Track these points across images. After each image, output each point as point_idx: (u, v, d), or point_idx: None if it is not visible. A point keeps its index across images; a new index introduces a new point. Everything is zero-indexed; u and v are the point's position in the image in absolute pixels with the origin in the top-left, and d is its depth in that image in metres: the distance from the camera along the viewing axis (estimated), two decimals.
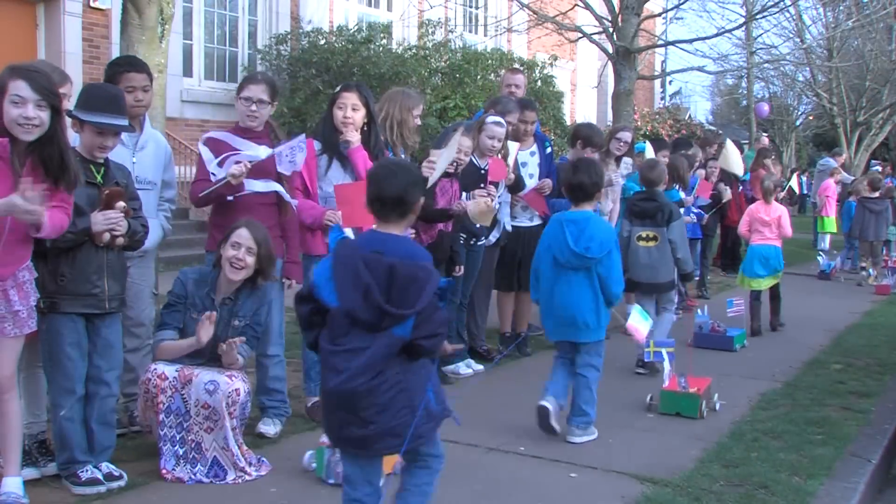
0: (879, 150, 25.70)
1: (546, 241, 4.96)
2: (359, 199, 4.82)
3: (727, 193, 10.32)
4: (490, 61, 13.65)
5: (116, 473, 3.97)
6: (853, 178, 17.02)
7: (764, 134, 20.21)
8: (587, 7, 11.36)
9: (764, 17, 13.64)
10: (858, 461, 4.71)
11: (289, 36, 13.40)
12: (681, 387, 5.39)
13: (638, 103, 18.28)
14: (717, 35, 13.08)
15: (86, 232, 3.80)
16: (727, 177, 11.54)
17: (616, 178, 7.49)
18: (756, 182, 12.19)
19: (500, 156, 6.11)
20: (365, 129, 5.05)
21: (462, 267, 5.93)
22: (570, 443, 4.79)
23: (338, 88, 5.12)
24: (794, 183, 12.08)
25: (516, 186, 6.42)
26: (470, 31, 17.73)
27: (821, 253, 13.30)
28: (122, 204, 3.86)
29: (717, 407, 5.53)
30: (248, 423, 4.43)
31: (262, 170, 4.65)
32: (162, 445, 4.08)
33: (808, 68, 21.10)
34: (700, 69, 13.66)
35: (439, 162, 5.29)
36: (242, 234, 4.25)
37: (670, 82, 29.67)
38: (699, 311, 7.67)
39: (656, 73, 18.57)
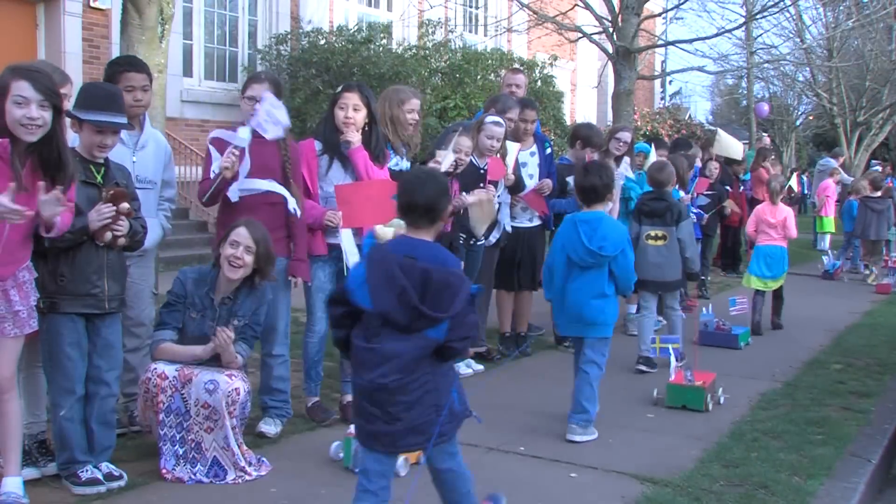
0: (879, 150, 25.69)
1: (560, 240, 5.10)
2: (359, 200, 4.87)
3: (729, 207, 10.38)
4: (490, 61, 13.65)
5: (116, 473, 3.97)
6: (852, 178, 17.04)
7: (764, 134, 20.23)
8: (587, 7, 11.36)
9: (764, 17, 13.63)
10: (858, 461, 4.71)
11: (289, 36, 13.41)
12: (686, 380, 5.50)
13: (638, 103, 18.28)
14: (717, 35, 13.07)
15: (84, 232, 3.80)
16: (728, 177, 11.56)
17: (616, 179, 7.49)
18: (756, 182, 12.23)
19: (498, 155, 6.11)
20: (366, 129, 5.04)
21: (462, 266, 5.94)
22: (569, 441, 4.80)
23: (339, 89, 5.11)
24: (793, 182, 12.09)
25: (516, 187, 6.42)
26: (470, 31, 17.73)
27: (827, 253, 13.31)
28: (125, 205, 3.87)
29: (722, 400, 5.64)
30: (249, 422, 4.43)
31: (265, 168, 4.65)
32: (162, 445, 4.08)
33: (808, 68, 21.08)
34: (700, 69, 13.66)
35: (444, 163, 5.30)
36: (241, 233, 4.26)
37: (670, 82, 29.71)
38: (704, 309, 7.74)
39: (656, 73, 18.57)
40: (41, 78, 3.47)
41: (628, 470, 4.38)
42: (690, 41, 11.94)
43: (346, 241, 4.90)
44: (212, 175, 4.62)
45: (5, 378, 3.61)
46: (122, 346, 4.31)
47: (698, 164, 10.03)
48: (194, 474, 4.06)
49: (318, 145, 5.04)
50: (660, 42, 16.29)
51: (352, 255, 4.91)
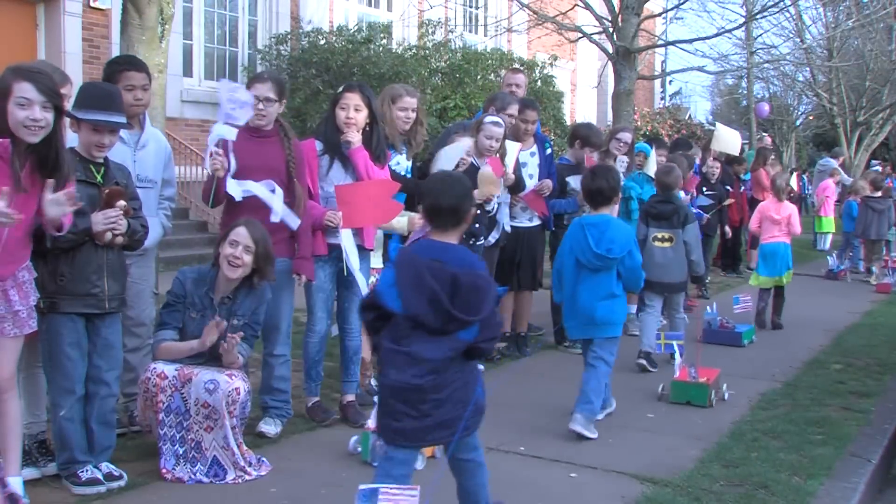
0: (879, 150, 25.68)
1: (567, 243, 5.20)
2: (359, 200, 4.87)
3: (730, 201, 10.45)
4: (490, 61, 13.65)
5: (116, 473, 3.97)
6: (852, 178, 17.04)
7: (765, 134, 20.21)
8: (587, 7, 11.36)
9: (764, 17, 13.63)
10: (858, 461, 4.71)
11: (289, 36, 13.40)
12: (691, 377, 5.59)
13: (638, 103, 18.28)
14: (717, 35, 13.07)
15: (86, 232, 3.80)
16: (728, 177, 11.56)
17: None
18: (756, 182, 12.24)
19: (497, 155, 6.11)
20: (367, 129, 5.04)
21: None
22: (571, 431, 4.83)
23: (340, 89, 5.10)
24: (793, 182, 12.10)
25: (516, 187, 6.42)
26: (470, 31, 17.73)
27: (831, 253, 13.31)
28: (122, 203, 3.86)
29: (726, 396, 5.72)
30: (249, 422, 4.43)
31: (269, 168, 4.65)
32: (162, 445, 4.08)
33: (808, 68, 21.07)
34: (700, 69, 13.65)
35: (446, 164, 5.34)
36: (240, 233, 4.26)
37: (670, 82, 29.69)
38: (708, 307, 7.79)
39: (656, 73, 18.57)
40: (44, 79, 3.47)
41: (628, 470, 4.38)
42: (690, 41, 11.95)
43: (347, 241, 4.90)
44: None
45: (5, 378, 3.60)
46: (123, 345, 4.31)
47: (698, 163, 10.04)
48: (194, 474, 4.06)
49: (318, 145, 5.03)
50: (660, 42, 16.29)
51: (352, 255, 4.91)
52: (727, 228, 10.87)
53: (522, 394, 5.75)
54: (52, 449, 4.05)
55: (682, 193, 7.85)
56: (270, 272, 4.40)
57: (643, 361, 6.47)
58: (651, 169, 8.03)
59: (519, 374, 6.28)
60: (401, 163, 5.61)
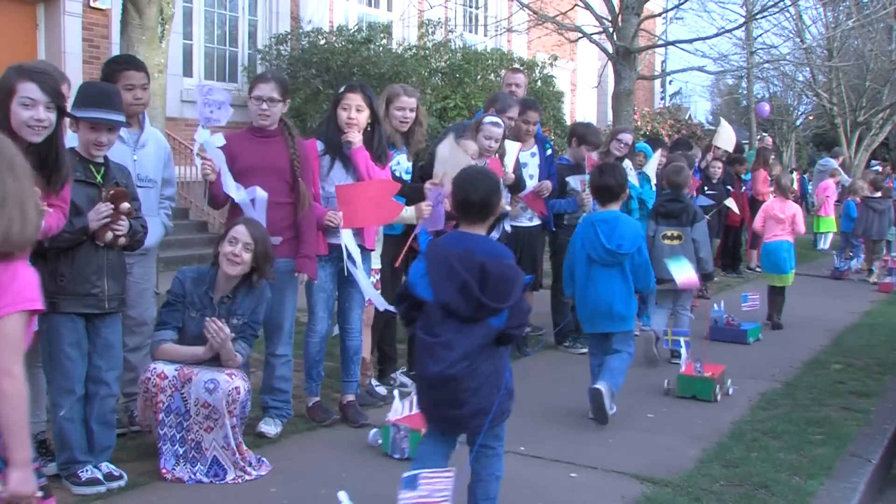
0: (879, 150, 25.68)
1: (579, 240, 5.38)
2: (360, 200, 4.87)
3: (731, 203, 10.48)
4: (490, 61, 13.64)
5: (116, 473, 3.97)
6: (851, 178, 17.04)
7: (765, 134, 20.21)
8: (587, 7, 11.36)
9: (764, 17, 13.64)
10: (858, 461, 4.71)
11: (289, 36, 13.40)
12: (696, 372, 5.72)
13: (638, 103, 18.27)
14: (717, 35, 13.09)
15: (84, 232, 3.80)
16: (729, 177, 11.57)
17: None
18: (756, 182, 12.24)
19: (497, 156, 6.10)
20: (368, 129, 5.04)
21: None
22: (592, 388, 5.01)
23: (342, 89, 5.10)
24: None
25: (517, 187, 6.41)
26: (470, 31, 17.72)
27: (832, 254, 13.31)
28: (126, 205, 3.87)
29: (731, 391, 5.84)
30: (249, 422, 4.43)
31: (274, 168, 4.65)
32: (162, 445, 4.08)
33: (808, 68, 21.08)
34: (700, 69, 13.66)
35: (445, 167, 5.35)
36: (240, 231, 4.27)
37: (670, 82, 29.66)
38: (715, 305, 7.90)
39: (656, 73, 18.57)
40: (48, 80, 3.47)
41: (628, 470, 4.38)
42: (690, 41, 11.95)
43: (347, 241, 4.90)
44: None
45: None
46: (124, 345, 4.31)
47: (698, 163, 10.05)
48: (194, 474, 4.06)
49: (319, 145, 5.03)
50: (660, 42, 16.29)
51: (356, 255, 4.91)
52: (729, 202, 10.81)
53: (522, 394, 5.69)
54: (52, 449, 4.05)
55: None
56: (269, 271, 4.39)
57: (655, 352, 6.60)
58: (651, 169, 8.06)
59: (519, 374, 6.22)
60: (401, 163, 5.61)
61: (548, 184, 6.75)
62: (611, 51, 10.97)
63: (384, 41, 13.27)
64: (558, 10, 12.15)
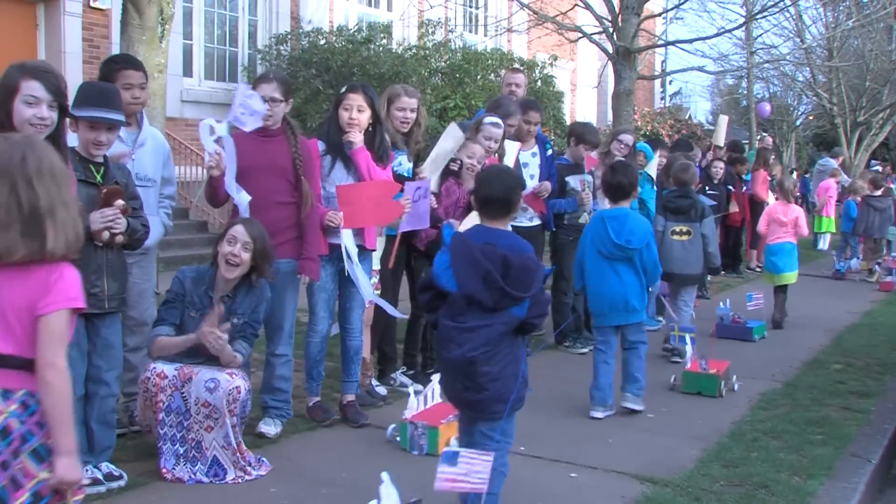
0: (879, 150, 25.68)
1: (589, 236, 5.60)
2: (360, 200, 4.87)
3: (733, 206, 10.57)
4: (490, 61, 13.64)
5: (116, 473, 3.97)
6: (851, 178, 17.05)
7: (765, 134, 20.21)
8: (587, 7, 11.36)
9: (764, 17, 13.65)
10: (858, 461, 4.71)
11: (289, 36, 13.39)
12: (702, 368, 5.83)
13: (638, 103, 18.27)
14: (717, 35, 13.09)
15: (85, 232, 3.78)
16: (731, 177, 11.57)
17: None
18: (756, 183, 12.24)
19: (496, 156, 6.10)
20: (370, 129, 5.04)
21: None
22: (623, 408, 5.30)
23: (343, 89, 5.09)
24: None
25: None
26: (470, 31, 17.72)
27: (833, 253, 13.31)
28: (120, 202, 3.85)
29: (736, 388, 5.94)
30: (249, 422, 4.43)
31: (276, 167, 4.64)
32: (162, 445, 4.07)
33: (808, 68, 21.08)
34: (700, 69, 13.67)
35: (434, 161, 5.34)
36: (238, 230, 4.27)
37: (670, 82, 29.64)
38: (721, 303, 8.01)
39: (656, 73, 18.57)
40: (51, 78, 3.47)
41: (628, 470, 4.38)
42: (690, 41, 11.96)
43: (347, 241, 4.90)
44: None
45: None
46: (125, 345, 4.30)
47: (698, 163, 10.05)
48: (194, 474, 4.05)
49: (321, 145, 5.03)
50: (660, 42, 16.29)
51: (353, 255, 4.91)
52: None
53: None
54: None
55: None
56: (269, 270, 4.39)
57: (667, 347, 6.90)
58: (652, 169, 8.07)
59: None
60: (403, 163, 5.61)
61: (548, 185, 6.74)
62: (611, 51, 10.97)
63: (384, 41, 13.27)
64: (558, 10, 12.15)
